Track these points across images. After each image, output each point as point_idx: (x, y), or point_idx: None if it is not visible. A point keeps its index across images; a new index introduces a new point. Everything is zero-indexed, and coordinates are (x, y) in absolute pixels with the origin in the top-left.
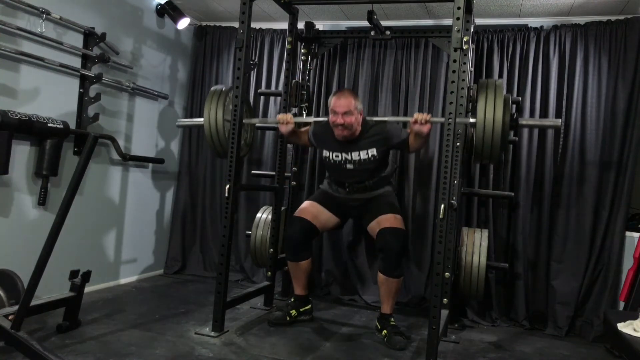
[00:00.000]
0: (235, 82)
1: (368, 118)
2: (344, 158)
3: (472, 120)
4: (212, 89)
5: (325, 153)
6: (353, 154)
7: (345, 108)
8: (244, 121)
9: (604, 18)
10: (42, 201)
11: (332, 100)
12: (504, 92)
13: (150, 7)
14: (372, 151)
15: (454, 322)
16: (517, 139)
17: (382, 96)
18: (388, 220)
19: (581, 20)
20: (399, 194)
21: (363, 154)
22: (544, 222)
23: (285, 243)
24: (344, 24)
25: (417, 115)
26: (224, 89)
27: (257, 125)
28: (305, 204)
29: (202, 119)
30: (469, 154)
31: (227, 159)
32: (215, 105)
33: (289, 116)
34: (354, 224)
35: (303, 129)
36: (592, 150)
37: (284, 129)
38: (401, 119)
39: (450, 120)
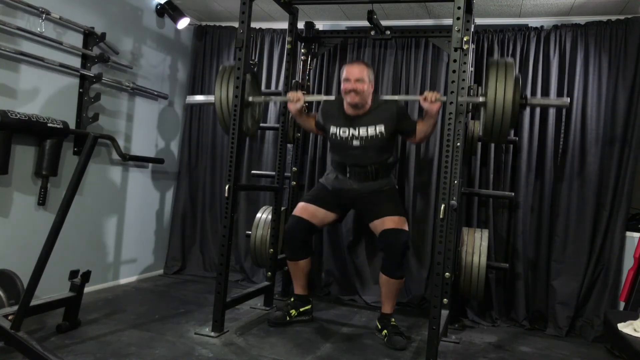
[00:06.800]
0: (235, 82)
1: (379, 96)
2: (350, 134)
3: (481, 99)
4: (223, 65)
5: (333, 129)
6: (361, 129)
7: (358, 75)
8: (251, 99)
9: (604, 18)
10: (42, 201)
11: (345, 69)
12: (515, 71)
13: (150, 7)
14: (380, 127)
15: (454, 322)
16: (517, 138)
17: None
18: (392, 221)
19: (581, 20)
20: (399, 194)
21: (371, 130)
22: (544, 222)
23: (284, 242)
24: (344, 24)
25: (427, 93)
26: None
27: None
28: (301, 204)
29: (212, 97)
30: (469, 154)
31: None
32: (226, 83)
33: (299, 94)
34: (354, 222)
35: (312, 114)
36: (592, 150)
37: (293, 107)
38: (411, 97)
39: (450, 120)
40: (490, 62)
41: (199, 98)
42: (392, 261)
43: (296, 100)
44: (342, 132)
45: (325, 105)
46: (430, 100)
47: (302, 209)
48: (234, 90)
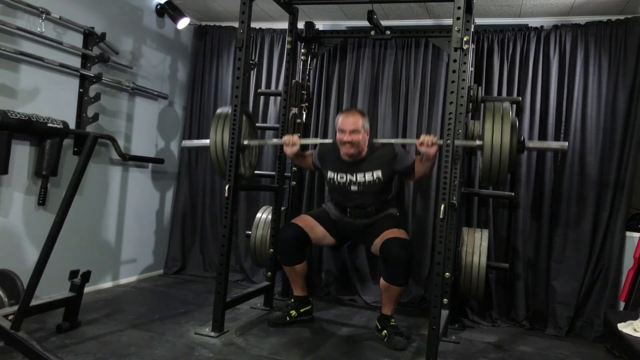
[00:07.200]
0: (235, 82)
1: (374, 140)
2: (348, 179)
3: (478, 142)
4: (218, 111)
5: (330, 174)
6: (358, 175)
7: (352, 126)
8: (247, 142)
9: (604, 18)
10: (42, 201)
11: (340, 119)
12: (511, 115)
13: (150, 7)
14: (378, 173)
15: (454, 322)
16: None
17: (382, 96)
18: (392, 232)
19: (581, 20)
20: (399, 194)
21: (368, 176)
22: (544, 222)
23: (277, 247)
24: (344, 24)
25: (424, 138)
26: (230, 111)
27: (257, 125)
28: (302, 215)
29: (207, 140)
30: (469, 154)
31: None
32: (221, 128)
33: (294, 138)
34: None
35: (308, 153)
36: (593, 150)
37: (289, 150)
38: (408, 141)
39: (450, 121)
40: (487, 107)
41: (195, 142)
42: (395, 270)
43: (292, 144)
44: (340, 177)
45: (322, 149)
46: (427, 145)
47: (301, 219)
48: (235, 81)
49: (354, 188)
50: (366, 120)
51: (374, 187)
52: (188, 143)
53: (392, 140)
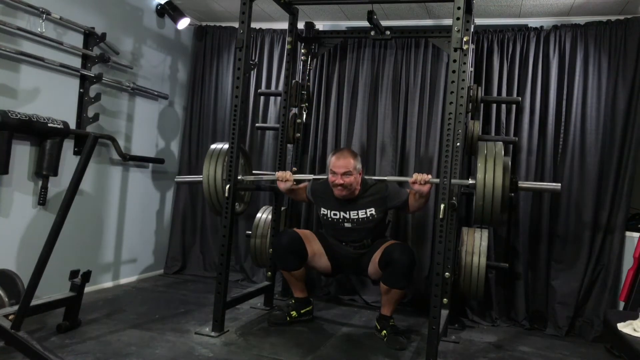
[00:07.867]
0: (235, 82)
1: (367, 177)
2: (342, 216)
3: (471, 181)
4: (212, 147)
5: (323, 211)
6: (351, 212)
7: (344, 168)
8: (242, 178)
9: (604, 18)
10: (42, 201)
11: (332, 160)
12: (503, 155)
13: (150, 7)
14: (371, 210)
15: (454, 322)
16: (516, 139)
17: (382, 96)
18: (390, 242)
19: (581, 20)
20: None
21: (362, 213)
22: (544, 222)
23: (274, 252)
24: (344, 24)
25: (417, 176)
26: (223, 147)
27: (257, 125)
28: (302, 229)
29: (201, 176)
30: (469, 154)
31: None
32: (214, 164)
33: (287, 174)
34: None
35: (301, 185)
36: (592, 150)
37: (283, 185)
38: (401, 178)
39: (450, 121)
40: (480, 148)
41: (188, 179)
42: (397, 275)
43: (285, 180)
44: (333, 214)
45: (315, 185)
46: (420, 183)
47: (301, 230)
48: (235, 81)
49: (347, 225)
50: (358, 160)
51: (367, 223)
52: (181, 179)
53: (385, 178)
